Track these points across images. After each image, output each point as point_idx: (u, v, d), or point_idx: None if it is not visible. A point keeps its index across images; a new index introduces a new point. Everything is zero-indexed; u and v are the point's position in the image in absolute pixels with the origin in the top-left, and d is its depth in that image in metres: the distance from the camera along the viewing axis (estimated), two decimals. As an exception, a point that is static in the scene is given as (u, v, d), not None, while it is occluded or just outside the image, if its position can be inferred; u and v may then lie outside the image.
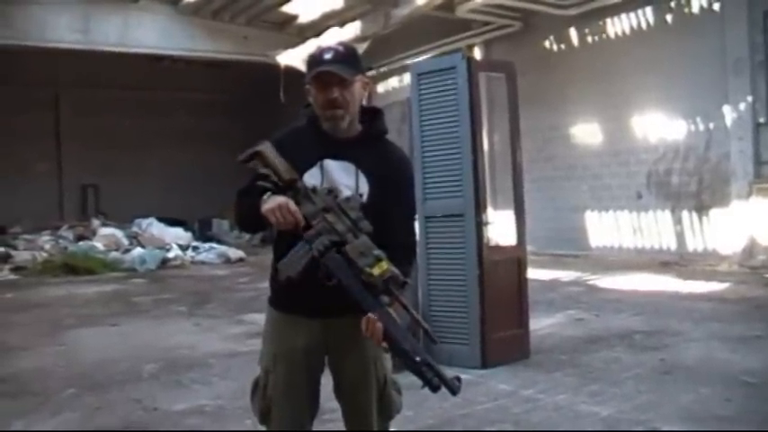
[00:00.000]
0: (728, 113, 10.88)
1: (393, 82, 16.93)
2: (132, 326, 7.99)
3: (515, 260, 5.67)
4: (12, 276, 13.28)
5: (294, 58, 14.90)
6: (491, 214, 5.61)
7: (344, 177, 2.39)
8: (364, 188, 2.39)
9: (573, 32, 13.40)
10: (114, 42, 15.33)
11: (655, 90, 11.85)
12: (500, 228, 5.87)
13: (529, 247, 6.00)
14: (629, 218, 12.55)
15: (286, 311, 2.47)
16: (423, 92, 5.61)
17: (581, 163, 13.31)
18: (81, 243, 15.65)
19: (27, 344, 7.02)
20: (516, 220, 5.74)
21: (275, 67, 15.85)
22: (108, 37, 15.19)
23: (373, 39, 13.82)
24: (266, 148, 2.33)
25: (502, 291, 5.46)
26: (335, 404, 2.54)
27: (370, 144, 2.47)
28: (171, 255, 15.09)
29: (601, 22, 12.81)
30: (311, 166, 2.39)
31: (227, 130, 21.15)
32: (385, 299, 2.19)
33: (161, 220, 17.56)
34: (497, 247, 5.70)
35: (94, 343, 7.09)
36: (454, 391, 2.15)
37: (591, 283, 9.92)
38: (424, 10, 12.79)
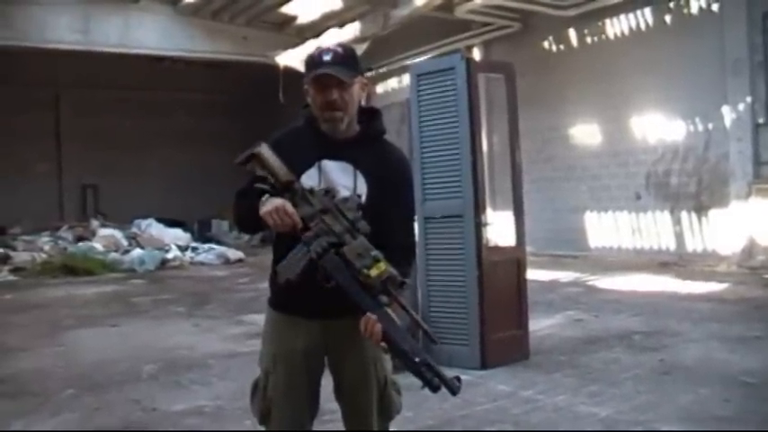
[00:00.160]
0: (727, 114, 10.88)
1: (392, 83, 16.93)
2: (131, 326, 7.99)
3: (515, 261, 5.67)
4: (11, 277, 13.26)
5: (293, 58, 14.90)
6: (490, 215, 5.62)
7: (342, 178, 2.39)
8: (362, 189, 2.39)
9: (572, 33, 13.41)
10: (114, 43, 15.34)
11: (654, 91, 11.85)
12: (499, 228, 5.87)
13: (528, 248, 6.00)
14: (628, 218, 12.55)
15: (286, 312, 2.47)
16: (422, 93, 5.62)
17: (580, 164, 13.31)
18: (80, 244, 15.66)
19: (26, 344, 7.02)
20: (515, 221, 5.74)
21: (274, 67, 15.86)
22: (108, 37, 15.20)
23: (372, 39, 13.83)
24: (263, 149, 2.32)
25: (501, 292, 5.46)
26: (335, 405, 2.54)
27: (368, 144, 2.47)
28: (170, 255, 15.08)
29: (600, 23, 12.82)
30: (309, 166, 2.39)
31: (227, 131, 21.16)
32: (384, 299, 2.19)
33: (160, 220, 17.57)
34: (497, 248, 5.70)
35: (94, 344, 7.09)
36: (454, 392, 2.15)
37: (590, 283, 9.92)
38: (423, 11, 12.79)
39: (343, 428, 2.56)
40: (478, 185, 5.37)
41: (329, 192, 2.30)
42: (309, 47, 14.44)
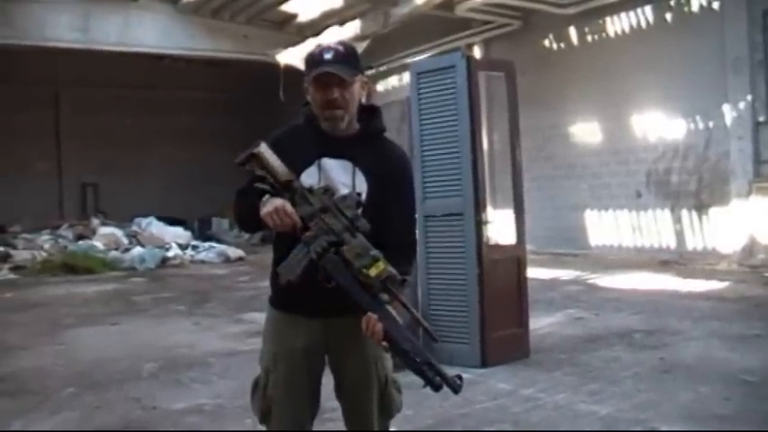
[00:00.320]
0: (728, 112, 10.88)
1: (393, 81, 16.93)
2: (132, 325, 7.99)
3: (515, 259, 5.67)
4: (11, 276, 13.27)
5: (294, 56, 14.89)
6: (491, 213, 5.61)
7: (342, 176, 2.39)
8: (362, 186, 2.38)
9: (572, 31, 13.40)
10: (114, 41, 15.33)
11: (654, 89, 11.85)
12: (500, 227, 5.87)
13: (528, 246, 5.99)
14: (628, 217, 12.55)
15: (286, 311, 2.47)
16: (422, 91, 5.61)
17: (580, 162, 13.31)
18: (81, 242, 15.66)
19: (26, 343, 7.02)
20: (516, 219, 5.73)
21: (275, 65, 15.86)
22: (108, 36, 15.19)
23: (373, 38, 13.82)
24: (262, 149, 2.32)
25: (501, 290, 5.46)
26: (336, 403, 2.54)
27: (368, 142, 2.46)
28: (170, 254, 15.09)
29: (600, 21, 12.82)
30: (309, 164, 2.39)
31: (228, 129, 21.17)
32: (385, 297, 2.19)
33: (161, 219, 17.56)
34: (497, 246, 5.69)
35: (94, 342, 7.09)
36: (456, 390, 2.15)
37: (590, 282, 9.92)
38: (423, 9, 12.78)
39: (344, 427, 2.55)
40: (479, 184, 5.37)
41: (328, 190, 2.29)
42: (310, 45, 14.40)
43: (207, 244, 16.67)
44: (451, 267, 5.47)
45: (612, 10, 12.48)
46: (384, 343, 2.19)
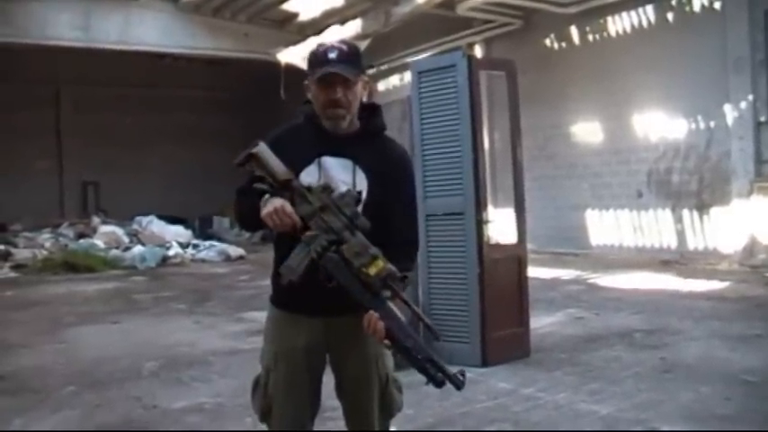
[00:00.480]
0: (729, 112, 10.87)
1: (394, 80, 16.93)
2: (132, 323, 7.99)
3: (516, 258, 5.66)
4: (12, 274, 13.27)
5: (295, 55, 14.87)
6: (491, 212, 5.60)
7: (342, 174, 2.38)
8: (363, 185, 2.38)
9: (574, 31, 13.39)
10: (115, 40, 15.32)
11: (655, 88, 11.84)
12: (500, 226, 5.86)
13: (529, 246, 6.00)
14: (629, 216, 12.55)
15: (287, 310, 2.47)
16: (423, 90, 5.61)
17: (582, 161, 13.31)
18: (81, 241, 15.66)
19: (27, 341, 7.02)
20: (517, 219, 5.73)
21: (276, 64, 15.85)
22: (109, 34, 15.18)
23: (374, 37, 13.82)
24: (261, 149, 2.31)
25: (502, 289, 5.46)
26: (336, 402, 2.54)
27: (368, 140, 2.46)
28: (171, 252, 15.09)
29: (602, 21, 12.81)
30: (309, 163, 2.38)
31: (228, 128, 21.18)
32: (386, 293, 2.19)
33: (161, 217, 17.57)
34: (498, 246, 5.69)
35: (94, 340, 7.09)
36: (459, 386, 2.15)
37: (591, 281, 9.92)
38: (424, 8, 12.77)
39: (344, 426, 2.55)
40: (480, 183, 5.37)
41: (327, 188, 2.28)
42: (311, 44, 14.43)
43: (207, 243, 16.66)
44: (452, 266, 5.47)
45: (614, 9, 12.47)
46: (386, 341, 2.18)
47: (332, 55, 2.33)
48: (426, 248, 5.45)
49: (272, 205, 2.22)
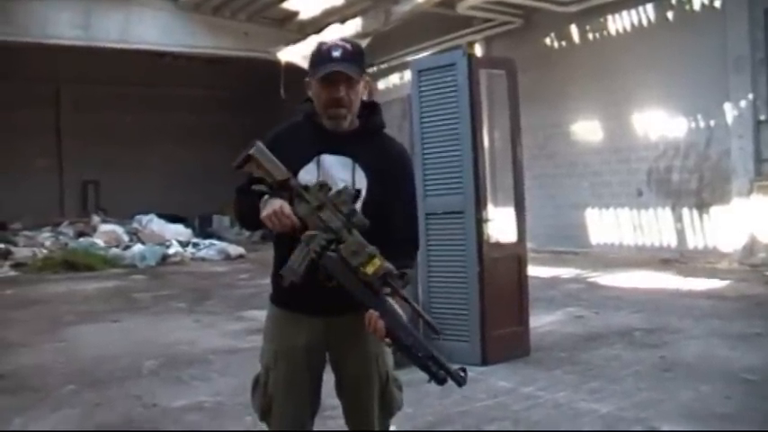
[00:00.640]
0: (729, 111, 10.87)
1: (394, 79, 16.93)
2: (132, 322, 7.99)
3: (516, 257, 5.66)
4: (12, 273, 13.27)
5: (295, 54, 14.88)
6: (491, 211, 5.61)
7: (341, 172, 2.37)
8: (362, 183, 2.37)
9: (574, 29, 13.39)
10: (115, 39, 15.33)
11: (655, 87, 11.84)
12: (500, 225, 5.86)
13: (529, 245, 6.00)
14: (629, 215, 12.55)
15: (288, 309, 2.46)
16: (423, 89, 5.61)
17: (581, 160, 13.31)
18: (81, 239, 15.65)
19: (27, 340, 7.02)
20: (516, 217, 5.73)
21: (276, 63, 15.86)
22: (109, 33, 15.18)
23: (374, 35, 13.81)
24: (257, 150, 2.31)
25: (502, 288, 5.45)
26: (336, 401, 2.54)
27: (368, 138, 2.45)
28: (171, 251, 15.09)
29: (602, 19, 12.81)
30: (308, 161, 2.38)
31: (228, 127, 21.16)
32: (386, 290, 2.19)
33: (161, 216, 17.57)
34: (498, 245, 5.69)
35: (94, 339, 7.09)
36: (460, 383, 2.14)
37: (591, 280, 9.92)
38: (424, 6, 12.77)
39: (345, 425, 2.55)
40: (480, 182, 5.37)
41: (324, 186, 2.27)
42: (311, 43, 14.43)
43: (207, 241, 16.66)
44: (452, 265, 5.47)
45: (614, 8, 12.47)
46: (387, 339, 2.18)
47: (336, 53, 2.32)
48: (426, 247, 5.45)
49: (271, 207, 2.22)
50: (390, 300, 2.21)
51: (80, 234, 16.45)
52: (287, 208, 2.22)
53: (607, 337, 6.20)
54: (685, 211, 11.67)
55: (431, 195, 5.51)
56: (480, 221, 5.34)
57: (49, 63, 19.18)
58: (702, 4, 11.27)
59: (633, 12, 12.32)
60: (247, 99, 22.03)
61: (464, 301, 5.38)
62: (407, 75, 6.90)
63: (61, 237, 16.26)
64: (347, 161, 2.39)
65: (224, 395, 4.85)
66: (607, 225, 12.93)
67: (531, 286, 5.96)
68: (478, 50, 14.58)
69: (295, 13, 16.25)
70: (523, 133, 5.92)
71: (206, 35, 16.12)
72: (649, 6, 12.05)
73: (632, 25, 12.38)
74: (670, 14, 11.77)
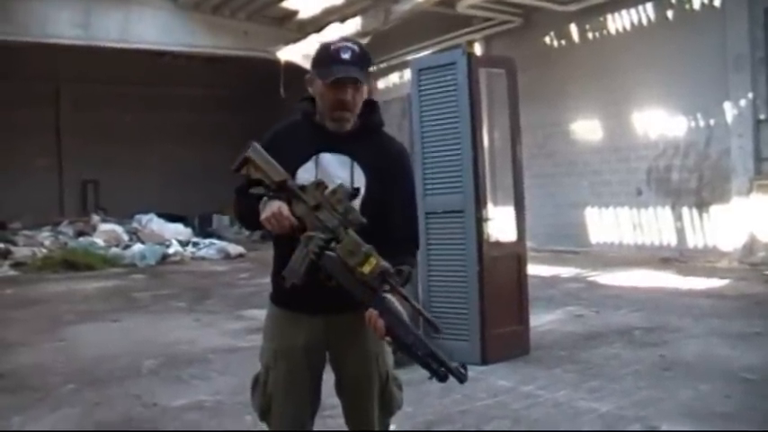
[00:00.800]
0: (729, 110, 10.87)
1: (393, 78, 16.91)
2: (132, 321, 7.99)
3: (515, 256, 5.66)
4: (11, 272, 13.26)
5: (295, 53, 14.89)
6: (491, 210, 5.61)
7: (340, 170, 2.37)
8: (361, 181, 2.37)
9: (573, 28, 13.39)
10: (115, 38, 15.32)
11: (655, 86, 11.84)
12: (500, 224, 5.86)
13: (529, 244, 6.00)
14: (629, 214, 12.55)
15: (288, 308, 2.46)
16: (423, 88, 5.61)
17: (581, 159, 13.31)
18: (81, 239, 15.66)
19: (26, 339, 7.02)
20: (516, 217, 5.73)
21: (276, 62, 15.85)
22: (108, 32, 15.18)
23: (373, 34, 13.79)
24: (254, 152, 2.31)
25: (502, 287, 5.45)
26: (336, 400, 2.54)
27: (366, 137, 2.44)
28: (171, 250, 15.09)
29: (601, 19, 12.81)
30: (306, 160, 2.37)
31: (228, 126, 21.14)
32: (386, 288, 2.18)
33: (161, 215, 17.58)
34: (497, 244, 5.69)
35: (94, 338, 7.09)
36: (461, 380, 2.13)
37: (591, 279, 9.92)
38: (424, 6, 12.77)
39: (344, 424, 2.55)
40: (479, 181, 5.37)
41: (320, 185, 2.26)
42: (311, 42, 14.46)
43: (207, 241, 16.67)
44: (452, 264, 5.47)
45: (613, 7, 12.47)
46: (387, 338, 2.18)
47: (345, 55, 2.30)
48: (426, 246, 5.45)
49: (270, 209, 2.22)
50: (391, 298, 2.20)
51: (80, 233, 16.45)
52: (285, 209, 2.22)
53: (607, 336, 6.20)
54: (685, 210, 11.67)
55: (430, 194, 5.51)
56: (480, 220, 5.34)
57: (48, 62, 19.17)
58: (702, 3, 11.27)
59: (633, 11, 12.32)
60: (247, 98, 22.02)
61: (464, 300, 5.38)
62: (407, 74, 6.91)
63: (61, 236, 16.26)
64: (346, 160, 2.38)
65: (224, 394, 4.85)
66: (607, 224, 12.93)
67: (531, 285, 5.96)
68: (478, 49, 14.57)
69: (295, 12, 16.24)
70: (523, 132, 5.92)
71: (205, 34, 16.11)
72: (649, 5, 12.05)
73: (632, 24, 12.38)
74: (670, 13, 11.77)
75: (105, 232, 15.96)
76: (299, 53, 14.72)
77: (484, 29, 14.65)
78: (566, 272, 10.60)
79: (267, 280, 2.58)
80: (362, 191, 2.35)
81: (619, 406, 4.28)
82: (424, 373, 2.15)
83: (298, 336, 2.42)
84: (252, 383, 2.52)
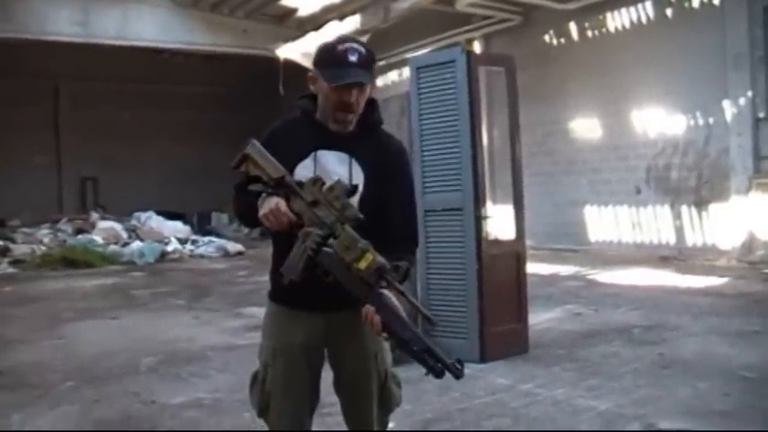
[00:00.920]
0: (728, 108, 10.88)
1: (392, 75, 16.91)
2: (131, 319, 7.99)
3: (514, 254, 5.66)
4: (10, 270, 13.24)
5: (294, 51, 14.89)
6: (490, 208, 5.62)
7: (338, 167, 2.37)
8: (359, 178, 2.37)
9: (573, 27, 13.39)
10: (114, 35, 15.31)
11: (654, 85, 11.84)
12: (499, 222, 5.86)
13: (528, 242, 5.99)
14: (628, 212, 12.56)
15: (286, 306, 2.46)
16: (422, 86, 5.60)
17: (580, 157, 13.31)
18: (80, 236, 15.65)
19: (26, 337, 7.01)
20: (515, 215, 5.73)
21: (275, 60, 15.84)
22: (107, 30, 15.17)
23: (373, 32, 13.80)
24: (253, 148, 2.31)
25: (501, 285, 5.45)
26: (335, 398, 2.54)
27: (365, 134, 2.44)
28: (170, 248, 15.08)
29: (601, 17, 12.81)
30: (305, 157, 2.37)
31: (227, 124, 21.11)
32: (382, 284, 2.18)
33: (160, 213, 17.56)
34: (496, 242, 5.69)
35: (93, 336, 7.09)
36: (458, 376, 2.13)
37: (590, 277, 9.92)
38: (423, 3, 12.78)
39: (343, 421, 2.55)
40: (478, 179, 5.37)
41: (317, 181, 2.25)
42: (310, 40, 14.46)
43: (206, 238, 16.66)
44: (451, 262, 5.47)
45: (613, 5, 12.48)
46: (384, 334, 2.18)
47: (352, 57, 2.28)
48: (425, 244, 5.45)
49: (268, 206, 2.22)
50: (388, 294, 2.20)
51: (79, 231, 16.43)
52: (283, 206, 2.22)
53: (606, 335, 6.20)
54: (684, 208, 11.67)
55: (430, 192, 5.51)
56: (479, 218, 5.34)
57: (47, 60, 19.10)
58: (701, 2, 11.27)
59: (632, 9, 12.32)
60: (246, 96, 22.00)
61: (463, 298, 5.38)
62: (406, 72, 6.89)
63: (60, 233, 16.25)
64: (344, 156, 2.38)
65: (222, 392, 4.85)
66: (606, 222, 12.94)
67: (530, 283, 5.96)
68: (477, 47, 14.58)
69: (294, 10, 16.23)
70: (522, 130, 5.92)
71: (204, 32, 16.10)
72: (648, 4, 12.05)
73: (631, 22, 12.38)
74: (669, 12, 11.77)
75: (104, 230, 15.95)
76: (297, 51, 14.73)
77: (483, 27, 14.65)
78: (565, 270, 10.61)
79: (266, 278, 2.58)
80: (361, 188, 2.34)
81: (617, 404, 4.29)
82: (423, 370, 2.15)
83: (296, 333, 2.42)
84: (250, 381, 2.52)
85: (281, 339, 2.44)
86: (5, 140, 19.53)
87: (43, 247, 14.67)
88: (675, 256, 11.31)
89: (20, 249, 14.55)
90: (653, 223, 12.18)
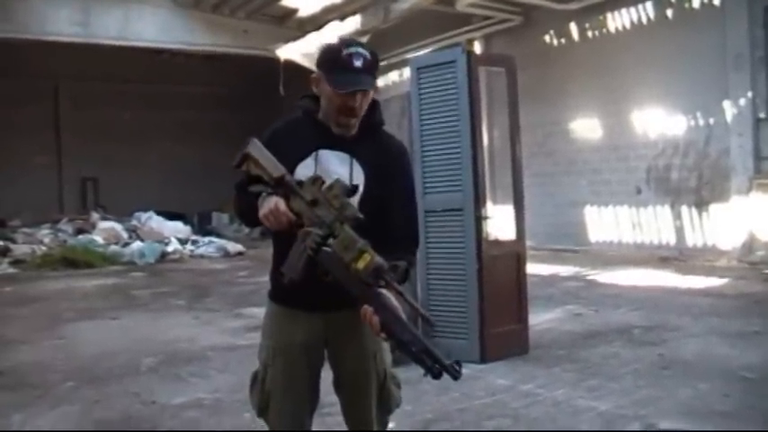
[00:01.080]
0: (728, 109, 10.87)
1: (393, 76, 16.90)
2: (131, 319, 7.99)
3: (514, 255, 5.66)
4: (11, 270, 13.25)
5: (294, 51, 14.89)
6: (490, 209, 5.62)
7: (339, 167, 2.37)
8: (360, 178, 2.37)
9: (573, 27, 13.39)
10: (114, 36, 15.31)
11: (655, 85, 11.84)
12: (499, 222, 5.86)
13: (528, 242, 5.99)
14: (628, 213, 12.55)
15: (286, 306, 2.46)
16: (422, 86, 5.60)
17: (581, 158, 13.31)
18: (80, 236, 15.64)
19: (26, 337, 7.02)
20: (515, 215, 5.73)
21: (275, 60, 15.84)
22: (108, 30, 15.18)
23: (373, 32, 13.80)
24: (253, 148, 2.31)
25: (501, 286, 5.46)
26: (335, 398, 2.54)
27: (366, 135, 2.44)
28: (170, 248, 15.08)
29: (601, 17, 12.80)
30: (306, 156, 2.37)
31: (227, 124, 21.11)
32: (381, 284, 2.18)
33: (160, 213, 17.55)
34: (497, 242, 5.70)
35: (93, 336, 7.09)
36: (455, 377, 2.13)
37: (590, 278, 9.92)
38: (424, 4, 12.77)
39: (343, 421, 2.55)
40: (479, 179, 5.37)
41: (317, 180, 2.25)
42: (310, 40, 14.46)
43: (206, 239, 16.66)
44: (451, 263, 5.47)
45: (613, 6, 12.47)
46: (382, 334, 2.18)
47: (358, 63, 2.27)
48: (425, 244, 5.45)
49: (267, 206, 2.22)
50: (387, 294, 2.20)
51: (79, 231, 16.43)
52: (282, 205, 2.22)
53: (606, 335, 6.20)
54: (684, 208, 11.67)
55: (430, 193, 5.51)
56: (479, 219, 5.34)
57: (48, 60, 19.09)
58: (702, 2, 11.27)
59: (633, 9, 12.31)
60: (246, 96, 22.00)
61: (463, 298, 5.38)
62: (407, 72, 6.89)
63: (60, 234, 16.25)
64: (345, 156, 2.38)
65: (222, 392, 4.85)
66: (606, 223, 12.93)
67: (530, 284, 5.96)
68: (478, 48, 14.58)
69: (294, 11, 16.24)
70: (523, 131, 5.92)
71: (205, 32, 16.11)
72: (649, 4, 12.05)
73: (632, 23, 12.38)
74: (669, 12, 11.76)
75: (104, 230, 15.95)
76: (298, 51, 14.73)
77: (483, 27, 14.65)
78: (565, 270, 10.61)
79: (266, 278, 2.58)
80: (361, 188, 2.34)
81: (618, 405, 4.29)
82: (423, 371, 2.15)
83: (296, 333, 2.42)
84: (250, 381, 2.52)
85: (281, 339, 2.45)
86: (6, 140, 19.54)
87: (44, 248, 14.67)
88: (676, 257, 11.31)
89: (20, 249, 14.55)
90: (653, 224, 12.17)
